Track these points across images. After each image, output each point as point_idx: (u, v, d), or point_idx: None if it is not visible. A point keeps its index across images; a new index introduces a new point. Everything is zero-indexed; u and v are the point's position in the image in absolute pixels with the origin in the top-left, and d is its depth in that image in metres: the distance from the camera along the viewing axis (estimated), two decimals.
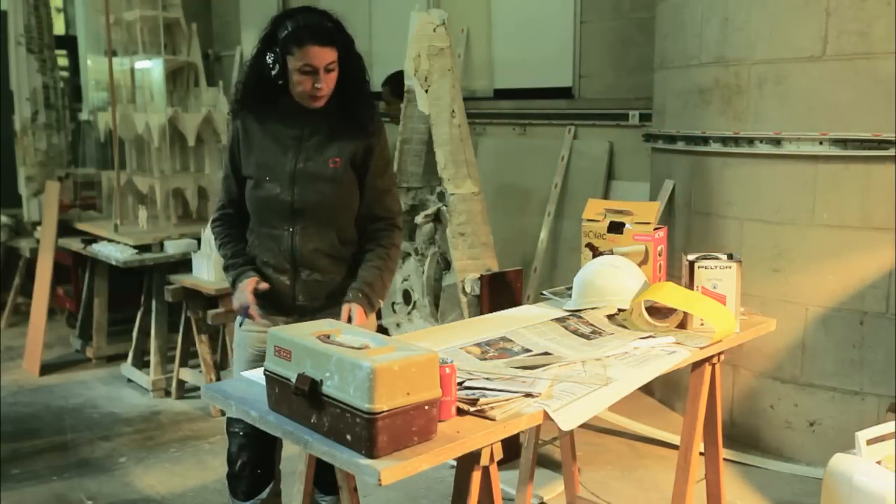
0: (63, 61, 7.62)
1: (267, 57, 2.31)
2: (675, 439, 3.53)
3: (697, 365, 2.37)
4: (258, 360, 2.38)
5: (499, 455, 1.73)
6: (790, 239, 3.54)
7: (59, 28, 7.76)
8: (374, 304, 2.38)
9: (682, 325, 2.32)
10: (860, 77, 3.28)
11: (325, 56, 2.27)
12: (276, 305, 2.42)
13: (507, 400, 1.73)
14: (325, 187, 2.35)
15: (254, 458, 2.48)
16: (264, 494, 2.51)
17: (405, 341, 1.88)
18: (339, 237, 2.39)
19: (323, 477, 2.38)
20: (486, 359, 2.04)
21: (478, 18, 5.75)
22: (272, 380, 1.72)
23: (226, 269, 2.47)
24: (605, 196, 5.02)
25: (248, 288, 2.36)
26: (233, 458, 2.51)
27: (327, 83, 2.31)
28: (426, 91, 3.65)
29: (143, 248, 4.56)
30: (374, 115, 2.43)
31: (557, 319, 2.36)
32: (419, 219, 3.80)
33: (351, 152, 2.37)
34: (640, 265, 2.46)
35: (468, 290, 3.50)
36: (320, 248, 2.37)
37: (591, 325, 2.32)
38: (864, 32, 3.25)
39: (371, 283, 2.37)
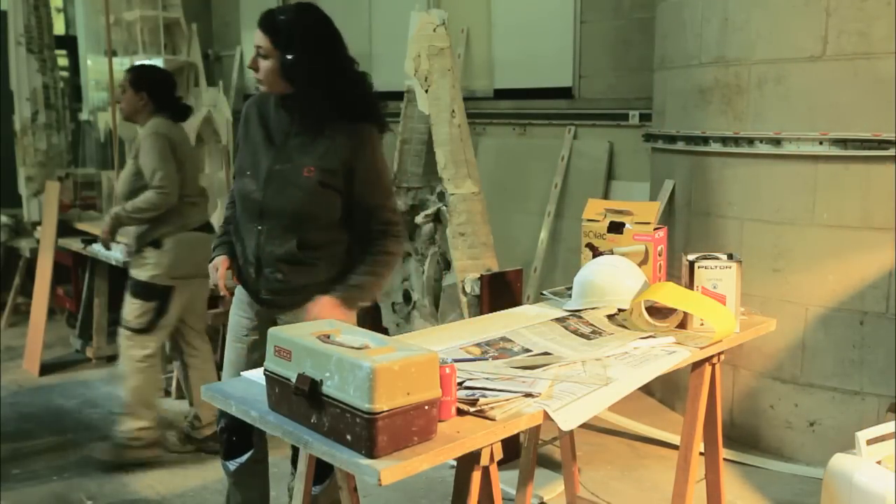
0: (63, 61, 7.61)
1: None
2: (675, 439, 3.53)
3: (697, 365, 2.37)
4: (239, 342, 2.57)
5: (499, 455, 1.73)
6: (790, 239, 3.54)
7: (59, 28, 7.76)
8: (349, 302, 2.38)
9: (682, 325, 2.32)
10: (860, 77, 3.28)
11: (259, 39, 2.34)
12: (249, 295, 2.54)
13: (507, 400, 1.73)
14: (294, 194, 2.36)
15: (230, 424, 2.58)
16: (243, 459, 2.63)
17: (405, 341, 1.88)
18: (301, 244, 2.38)
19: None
20: (486, 359, 2.04)
21: (478, 18, 5.75)
22: (272, 380, 1.72)
23: (213, 248, 2.61)
24: (605, 196, 5.02)
25: (218, 267, 2.51)
26: (217, 422, 2.67)
27: (262, 69, 2.35)
28: (426, 91, 3.65)
29: None
30: (353, 128, 2.37)
31: (557, 319, 2.36)
32: (419, 219, 3.80)
33: (328, 164, 2.35)
34: (640, 265, 2.46)
35: (468, 290, 3.50)
36: (278, 252, 2.40)
37: (591, 325, 2.32)
38: (864, 32, 3.25)
39: (355, 284, 2.39)
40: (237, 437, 2.61)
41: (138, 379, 3.62)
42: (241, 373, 2.04)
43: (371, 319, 4.09)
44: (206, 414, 3.73)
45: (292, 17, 2.34)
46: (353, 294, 2.38)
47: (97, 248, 4.75)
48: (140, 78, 3.64)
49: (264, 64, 2.35)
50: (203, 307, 3.86)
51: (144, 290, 3.56)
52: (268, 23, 2.34)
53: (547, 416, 1.72)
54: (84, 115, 7.20)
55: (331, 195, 2.37)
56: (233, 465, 2.64)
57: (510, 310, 2.59)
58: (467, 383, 1.82)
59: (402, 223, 2.53)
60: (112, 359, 5.06)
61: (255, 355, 2.54)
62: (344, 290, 2.37)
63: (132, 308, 3.58)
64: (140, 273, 3.57)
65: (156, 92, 3.60)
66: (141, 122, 3.62)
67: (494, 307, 3.03)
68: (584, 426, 2.37)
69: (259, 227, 2.41)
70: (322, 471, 2.29)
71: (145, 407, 3.65)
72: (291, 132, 2.40)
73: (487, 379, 1.86)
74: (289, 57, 2.32)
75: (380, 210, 2.42)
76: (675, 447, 3.51)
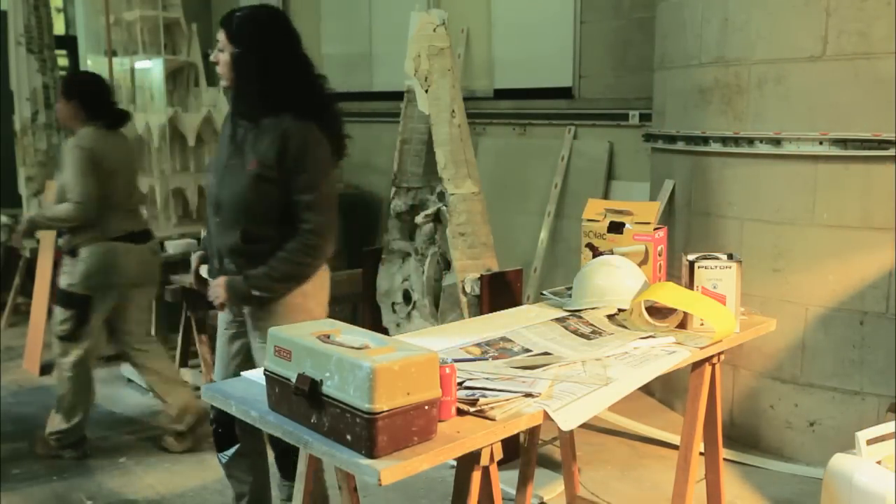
0: (63, 61, 7.61)
1: None
2: (675, 439, 3.53)
3: (697, 365, 2.37)
4: (222, 335, 2.69)
5: (499, 455, 1.73)
6: (790, 239, 3.54)
7: (59, 28, 7.75)
8: (233, 288, 2.46)
9: (682, 325, 2.32)
10: (860, 77, 3.28)
11: (219, 34, 2.48)
12: None
13: (507, 400, 1.73)
14: (239, 187, 2.45)
15: (218, 417, 2.65)
16: (229, 452, 2.69)
17: (405, 341, 1.88)
18: (245, 237, 2.45)
19: (286, 464, 2.61)
20: (486, 359, 2.03)
21: (478, 18, 5.75)
22: (272, 380, 1.72)
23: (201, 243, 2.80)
24: (605, 196, 5.02)
25: (192, 265, 2.73)
26: (210, 415, 2.76)
27: (220, 62, 2.47)
28: (426, 91, 3.65)
29: None
30: (293, 125, 2.40)
31: (557, 319, 2.36)
32: (419, 219, 3.80)
33: (267, 159, 2.40)
34: (640, 265, 2.46)
35: (468, 290, 3.50)
36: (228, 245, 2.49)
37: (591, 325, 2.32)
38: (864, 32, 3.25)
39: (249, 275, 2.44)
40: (224, 430, 2.67)
41: (65, 385, 3.65)
42: (242, 373, 2.05)
43: (371, 319, 4.09)
44: (175, 399, 3.77)
45: (245, 14, 2.47)
46: (248, 283, 2.43)
47: None
48: (71, 86, 3.63)
49: (221, 57, 2.46)
50: (145, 313, 3.88)
51: (63, 298, 3.61)
52: (226, 19, 2.47)
53: (547, 416, 1.73)
54: None
55: (269, 189, 2.42)
56: (223, 457, 2.72)
57: (510, 310, 2.59)
58: (467, 383, 1.82)
59: (325, 236, 2.46)
60: (111, 359, 5.06)
61: (233, 347, 2.65)
62: (241, 277, 2.45)
63: (56, 315, 3.63)
64: (61, 280, 3.62)
65: (87, 100, 3.56)
66: (76, 130, 3.59)
67: (494, 307, 3.03)
68: (584, 426, 2.37)
69: (217, 220, 2.52)
70: None
71: (70, 412, 3.67)
72: (249, 127, 2.48)
73: (487, 379, 1.86)
74: (237, 51, 2.43)
75: (303, 211, 2.43)
76: (675, 447, 3.51)
